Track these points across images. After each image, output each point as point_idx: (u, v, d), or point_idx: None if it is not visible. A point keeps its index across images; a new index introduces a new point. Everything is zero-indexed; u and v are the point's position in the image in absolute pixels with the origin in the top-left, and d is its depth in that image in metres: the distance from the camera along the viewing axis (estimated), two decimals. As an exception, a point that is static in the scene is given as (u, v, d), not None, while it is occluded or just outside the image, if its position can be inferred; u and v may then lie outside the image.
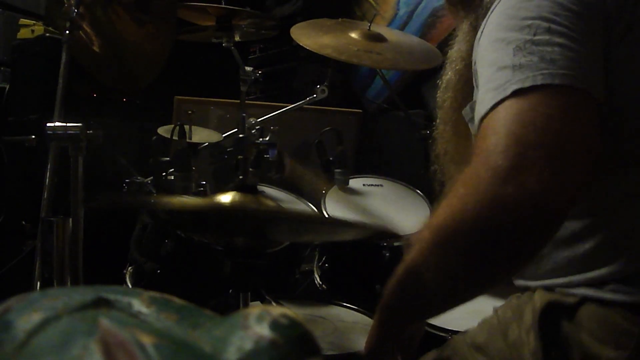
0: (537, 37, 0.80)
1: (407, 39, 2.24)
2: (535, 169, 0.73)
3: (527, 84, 0.77)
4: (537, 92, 0.77)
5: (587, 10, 0.83)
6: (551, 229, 0.78)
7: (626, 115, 0.86)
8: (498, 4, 0.90)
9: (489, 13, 0.91)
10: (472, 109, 0.93)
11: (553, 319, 0.89)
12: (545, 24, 0.81)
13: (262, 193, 1.12)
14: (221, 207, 0.91)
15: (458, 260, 0.80)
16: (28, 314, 0.43)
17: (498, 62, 0.82)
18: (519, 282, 1.00)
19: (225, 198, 1.03)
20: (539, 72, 0.78)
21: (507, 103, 0.78)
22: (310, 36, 1.89)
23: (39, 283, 1.27)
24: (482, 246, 0.77)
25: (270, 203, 1.08)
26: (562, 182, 0.74)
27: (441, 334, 1.37)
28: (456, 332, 1.34)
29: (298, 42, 1.86)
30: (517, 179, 0.73)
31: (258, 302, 1.39)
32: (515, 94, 0.78)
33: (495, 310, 1.06)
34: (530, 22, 0.82)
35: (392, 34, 2.05)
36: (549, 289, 0.92)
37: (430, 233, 0.81)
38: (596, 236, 0.87)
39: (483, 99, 0.82)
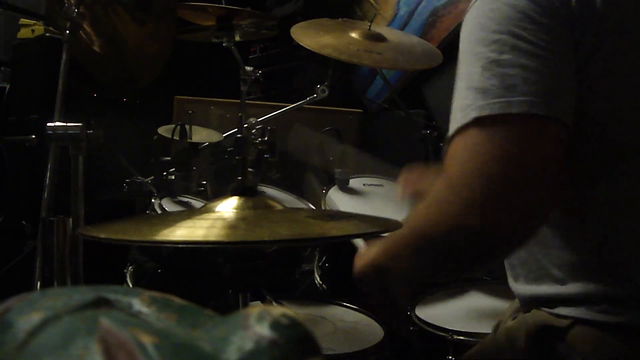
0: (502, 57, 0.81)
1: (407, 38, 2.24)
2: (499, 202, 0.77)
3: (484, 113, 0.79)
4: (496, 122, 0.79)
5: (555, 23, 0.82)
6: (511, 251, 0.87)
7: (605, 129, 0.86)
8: (473, 4, 0.90)
9: (470, 8, 0.91)
10: None
11: (546, 342, 0.90)
12: (512, 41, 0.81)
13: (263, 194, 1.12)
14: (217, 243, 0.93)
15: (424, 261, 0.90)
16: (28, 314, 0.43)
17: (467, 79, 0.84)
18: (511, 284, 1.01)
19: (226, 206, 1.03)
20: (497, 100, 0.79)
21: (469, 131, 0.80)
22: (310, 36, 1.89)
23: (39, 283, 1.27)
24: (449, 259, 0.87)
25: (271, 204, 1.08)
26: (525, 213, 0.79)
27: (441, 333, 1.37)
28: (456, 332, 1.34)
29: (298, 41, 1.86)
30: (481, 213, 0.78)
31: (258, 302, 1.39)
32: (476, 121, 0.80)
33: (494, 329, 1.07)
34: (498, 37, 0.82)
35: (392, 34, 2.05)
36: (539, 301, 0.93)
37: (405, 236, 0.90)
38: (585, 247, 0.88)
39: (454, 116, 0.85)
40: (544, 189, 0.78)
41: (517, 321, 0.98)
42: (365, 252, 1.04)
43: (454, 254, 0.84)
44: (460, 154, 0.81)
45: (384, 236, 1.00)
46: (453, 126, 0.83)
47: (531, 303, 0.96)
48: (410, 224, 0.88)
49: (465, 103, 0.82)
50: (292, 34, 1.90)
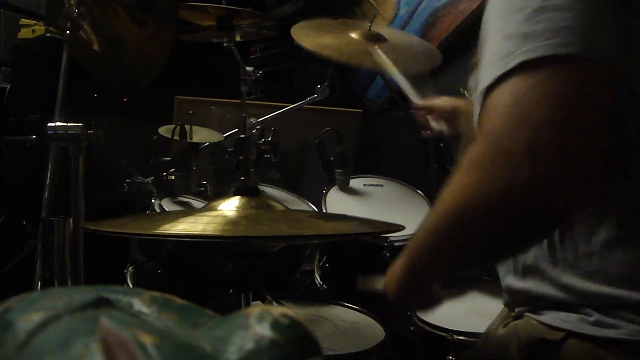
0: (548, 2, 0.73)
1: (407, 39, 2.24)
2: (548, 152, 0.69)
3: (533, 55, 0.71)
4: (545, 65, 0.71)
5: None
6: (567, 212, 0.74)
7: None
8: None
9: None
10: (473, 64, 0.88)
11: (539, 356, 0.88)
12: None
13: (263, 193, 1.12)
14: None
15: (469, 239, 0.78)
16: (29, 314, 0.43)
17: (506, 29, 0.76)
18: (502, 278, 0.98)
19: (228, 205, 1.03)
20: (546, 42, 0.71)
21: (514, 78, 0.72)
22: (310, 36, 1.89)
23: (39, 283, 1.27)
24: (495, 229, 0.75)
25: (272, 204, 1.08)
26: (578, 162, 0.70)
27: (441, 333, 1.37)
28: (456, 332, 1.34)
29: (299, 42, 1.86)
30: (531, 164, 0.69)
31: (259, 302, 1.39)
32: (522, 67, 0.72)
33: (485, 336, 1.06)
34: None
35: (392, 34, 2.05)
36: (528, 299, 0.90)
37: (442, 211, 0.79)
38: (588, 243, 0.83)
39: (488, 68, 0.76)
40: (596, 137, 0.71)
41: (508, 330, 0.95)
42: (393, 270, 0.94)
43: (507, 223, 0.74)
44: (502, 104, 0.72)
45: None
46: (489, 77, 0.75)
47: (520, 300, 0.93)
48: (447, 200, 0.78)
49: (505, 52, 0.74)
50: (292, 34, 1.90)
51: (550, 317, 0.87)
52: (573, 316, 0.84)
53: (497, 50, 0.76)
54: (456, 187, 0.77)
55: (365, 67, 2.20)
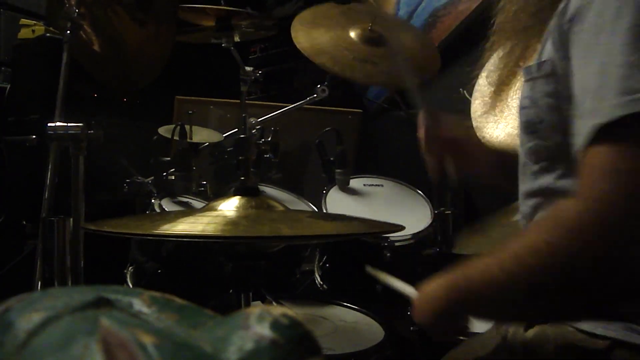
0: None
1: (409, 37, 2.21)
2: None
3: (627, 111, 0.62)
4: None
5: None
6: None
7: None
8: None
9: None
10: (541, 69, 0.80)
11: None
12: None
13: (263, 193, 1.12)
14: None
15: (540, 300, 0.72)
16: (29, 314, 0.43)
17: (630, 54, 0.64)
18: None
19: (228, 205, 1.03)
20: None
21: (616, 133, 0.62)
22: (309, 36, 1.89)
23: (39, 283, 1.27)
24: (576, 299, 0.69)
25: (272, 203, 1.08)
26: None
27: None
28: (456, 332, 1.34)
29: (297, 43, 1.86)
30: (634, 244, 0.61)
31: (259, 302, 1.39)
32: (624, 120, 0.62)
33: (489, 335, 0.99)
34: None
35: (396, 28, 2.02)
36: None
37: (520, 267, 0.70)
38: None
39: (601, 98, 0.66)
40: None
41: (537, 335, 0.86)
42: (429, 294, 0.84)
43: (594, 295, 0.67)
44: (622, 165, 0.62)
45: (444, 276, 0.81)
46: (604, 112, 0.64)
47: None
48: (529, 258, 0.69)
49: (628, 87, 0.64)
50: (292, 31, 1.89)
51: (589, 325, 0.79)
52: (617, 324, 0.76)
53: (616, 80, 0.65)
54: (542, 248, 0.67)
55: (357, 80, 2.17)
